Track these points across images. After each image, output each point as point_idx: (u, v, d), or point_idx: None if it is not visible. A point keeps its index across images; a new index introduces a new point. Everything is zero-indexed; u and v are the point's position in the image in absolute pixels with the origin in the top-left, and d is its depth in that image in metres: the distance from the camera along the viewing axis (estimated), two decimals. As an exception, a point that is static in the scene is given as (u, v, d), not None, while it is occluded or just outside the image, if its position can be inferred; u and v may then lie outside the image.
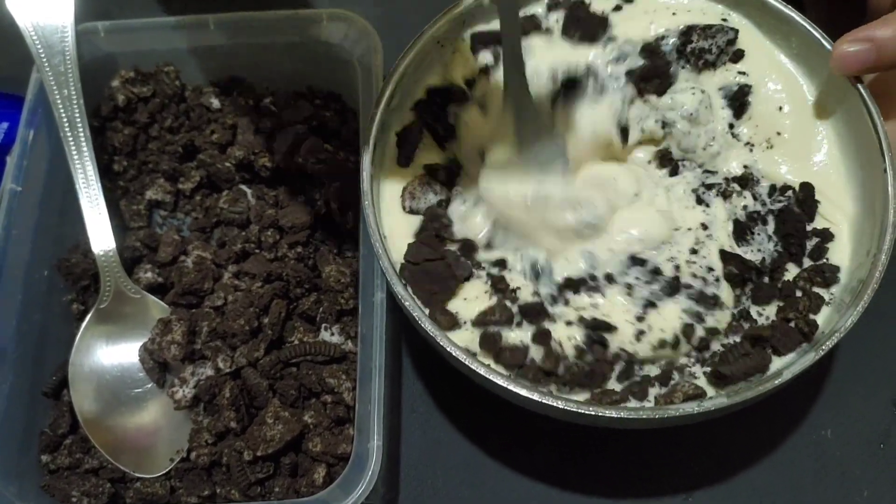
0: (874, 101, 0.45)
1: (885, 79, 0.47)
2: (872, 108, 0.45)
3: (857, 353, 0.52)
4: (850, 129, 0.47)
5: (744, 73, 0.49)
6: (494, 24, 0.51)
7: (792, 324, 0.44)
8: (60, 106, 0.53)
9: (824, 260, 0.45)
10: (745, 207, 0.46)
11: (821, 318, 0.44)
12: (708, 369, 0.43)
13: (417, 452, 0.51)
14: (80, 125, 0.53)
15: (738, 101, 0.48)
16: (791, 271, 0.46)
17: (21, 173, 0.53)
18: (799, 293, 0.45)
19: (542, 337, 0.43)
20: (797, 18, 0.48)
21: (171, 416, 0.50)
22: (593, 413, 0.40)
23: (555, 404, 0.40)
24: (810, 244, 0.46)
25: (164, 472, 0.49)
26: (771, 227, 0.46)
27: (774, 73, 0.49)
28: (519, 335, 0.44)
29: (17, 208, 0.52)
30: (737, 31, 0.49)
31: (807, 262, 0.46)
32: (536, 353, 0.43)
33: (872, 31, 0.44)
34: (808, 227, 0.46)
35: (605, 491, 0.50)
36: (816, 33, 0.47)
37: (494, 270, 0.46)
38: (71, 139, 0.52)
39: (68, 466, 0.49)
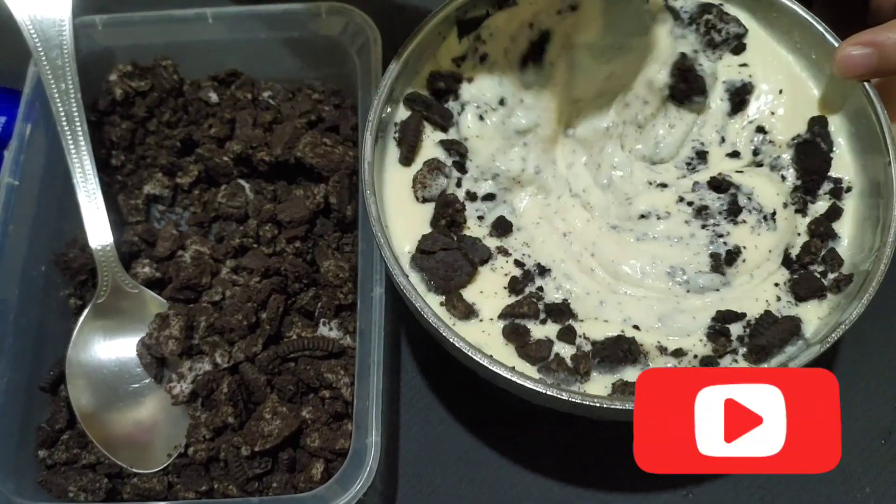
0: (879, 96, 0.45)
1: (891, 80, 0.47)
2: (877, 103, 0.45)
3: (859, 349, 0.52)
4: (855, 123, 0.47)
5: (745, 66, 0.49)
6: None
7: (814, 267, 0.45)
8: (58, 100, 0.53)
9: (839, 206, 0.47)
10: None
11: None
12: (744, 350, 0.43)
13: (416, 448, 0.51)
14: (77, 119, 0.53)
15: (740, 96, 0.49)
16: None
17: (18, 168, 0.53)
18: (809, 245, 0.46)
19: (567, 334, 0.44)
20: (800, 12, 0.48)
21: (168, 412, 0.49)
22: (598, 405, 0.39)
23: (560, 396, 0.40)
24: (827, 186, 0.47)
25: (161, 467, 0.48)
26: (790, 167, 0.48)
27: (776, 70, 0.49)
28: (544, 330, 0.44)
29: (14, 203, 0.52)
30: (746, 31, 0.49)
31: (822, 204, 0.47)
32: (562, 350, 0.44)
33: (876, 35, 0.44)
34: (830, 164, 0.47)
35: (605, 486, 0.49)
36: (820, 27, 0.47)
37: (515, 268, 0.47)
38: (68, 133, 0.52)
39: (65, 462, 0.49)
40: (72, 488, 0.48)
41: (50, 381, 0.51)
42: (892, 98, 0.45)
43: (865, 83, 0.45)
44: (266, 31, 0.58)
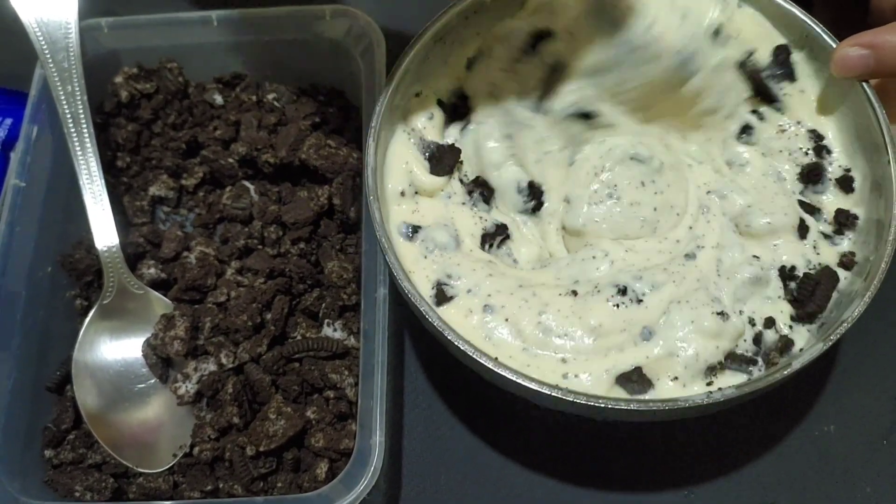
0: (877, 97, 0.45)
1: (889, 81, 0.47)
2: (876, 103, 0.45)
3: (860, 348, 0.52)
4: (854, 124, 0.47)
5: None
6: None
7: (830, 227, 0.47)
8: (64, 102, 0.53)
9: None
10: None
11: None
12: (791, 311, 0.45)
13: (420, 448, 0.51)
14: (83, 121, 0.53)
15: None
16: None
17: (25, 169, 0.53)
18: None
19: None
20: (798, 14, 0.48)
21: (173, 412, 0.50)
22: (603, 406, 0.40)
23: (564, 397, 0.40)
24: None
25: (166, 467, 0.49)
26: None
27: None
28: None
29: (20, 204, 0.53)
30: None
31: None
32: None
33: (874, 36, 0.45)
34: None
35: (607, 486, 0.50)
36: (818, 28, 0.48)
37: None
38: (74, 135, 0.53)
39: (72, 462, 0.49)
40: (78, 488, 0.48)
41: (56, 382, 0.51)
42: (890, 98, 0.45)
43: (864, 83, 0.45)
44: (270, 34, 0.58)
